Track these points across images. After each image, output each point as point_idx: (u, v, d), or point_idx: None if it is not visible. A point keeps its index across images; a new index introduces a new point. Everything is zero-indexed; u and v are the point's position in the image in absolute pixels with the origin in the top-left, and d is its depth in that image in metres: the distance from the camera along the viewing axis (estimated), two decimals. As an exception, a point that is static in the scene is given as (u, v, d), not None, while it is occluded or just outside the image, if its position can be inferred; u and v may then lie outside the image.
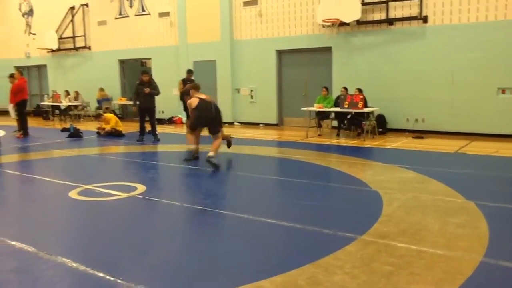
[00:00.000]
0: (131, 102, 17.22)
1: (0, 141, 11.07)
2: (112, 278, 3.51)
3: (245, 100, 15.11)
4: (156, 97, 11.77)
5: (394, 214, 5.07)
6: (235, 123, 15.12)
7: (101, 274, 3.58)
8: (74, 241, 4.49)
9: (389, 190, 6.16)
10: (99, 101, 18.33)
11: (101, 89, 18.36)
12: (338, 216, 5.19)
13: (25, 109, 12.92)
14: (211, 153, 7.57)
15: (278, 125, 14.72)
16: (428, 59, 11.86)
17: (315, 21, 13.36)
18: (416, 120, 12.21)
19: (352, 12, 12.38)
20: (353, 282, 3.40)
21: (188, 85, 9.51)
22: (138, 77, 17.89)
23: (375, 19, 12.58)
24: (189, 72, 12.73)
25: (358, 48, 12.96)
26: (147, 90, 11.41)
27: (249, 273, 3.62)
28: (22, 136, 12.50)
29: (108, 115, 13.31)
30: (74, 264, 3.79)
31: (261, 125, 14.73)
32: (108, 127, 12.72)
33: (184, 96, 12.21)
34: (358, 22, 12.70)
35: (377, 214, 5.07)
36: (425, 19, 11.81)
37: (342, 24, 12.74)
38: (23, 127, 12.71)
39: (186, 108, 12.46)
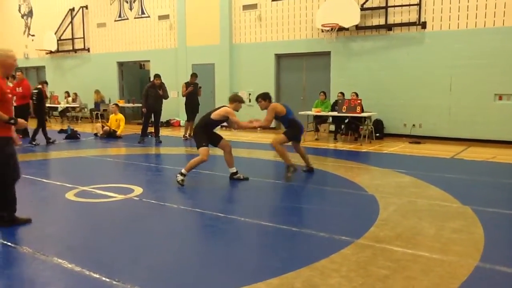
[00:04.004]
0: (129, 104, 17.38)
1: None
2: (108, 279, 3.50)
3: (243, 104, 15.08)
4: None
5: (390, 218, 5.08)
6: (233, 127, 15.14)
7: (96, 275, 3.58)
8: (70, 242, 4.48)
9: (385, 194, 6.17)
10: (96, 104, 18.31)
11: (97, 91, 18.34)
12: (335, 219, 5.19)
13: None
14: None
15: (275, 128, 14.71)
16: (426, 65, 11.91)
17: (314, 26, 13.41)
18: (414, 125, 12.24)
19: (351, 17, 12.44)
20: (349, 285, 3.40)
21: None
22: (136, 79, 17.93)
23: (374, 24, 12.64)
24: (193, 75, 12.80)
25: (357, 53, 13.01)
26: (161, 92, 11.60)
27: (245, 275, 3.62)
28: (21, 137, 12.47)
29: (116, 116, 13.16)
30: (69, 265, 3.78)
31: (259, 128, 14.73)
32: (106, 127, 12.77)
33: (187, 98, 12.29)
34: (357, 27, 12.75)
35: (373, 218, 5.08)
36: (423, 25, 11.87)
37: (341, 29, 12.79)
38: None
39: (188, 111, 12.51)
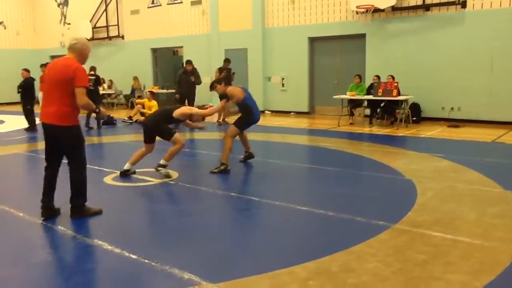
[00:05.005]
0: (163, 91, 17.56)
1: (37, 128, 11.37)
2: (146, 261, 3.57)
3: (276, 88, 15.04)
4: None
5: (428, 203, 4.98)
6: (266, 112, 15.09)
7: (135, 257, 3.66)
8: (109, 224, 4.59)
9: (423, 179, 6.04)
10: (132, 90, 18.58)
11: (136, 78, 18.60)
12: (371, 204, 5.13)
13: None
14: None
15: (309, 113, 14.61)
16: (466, 46, 11.50)
17: (348, 8, 13.15)
18: (452, 108, 11.89)
19: (386, -2, 12.12)
20: (386, 269, 3.36)
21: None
22: (169, 65, 18.03)
23: (410, 4, 12.27)
24: (227, 61, 12.78)
25: (393, 35, 12.69)
26: (192, 79, 11.63)
27: (282, 258, 3.62)
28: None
29: (150, 103, 13.34)
30: (109, 247, 3.88)
31: (292, 113, 14.67)
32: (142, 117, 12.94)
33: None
34: (393, 8, 12.41)
35: (411, 202, 4.99)
36: (463, 4, 11.44)
37: (376, 10, 12.49)
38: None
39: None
